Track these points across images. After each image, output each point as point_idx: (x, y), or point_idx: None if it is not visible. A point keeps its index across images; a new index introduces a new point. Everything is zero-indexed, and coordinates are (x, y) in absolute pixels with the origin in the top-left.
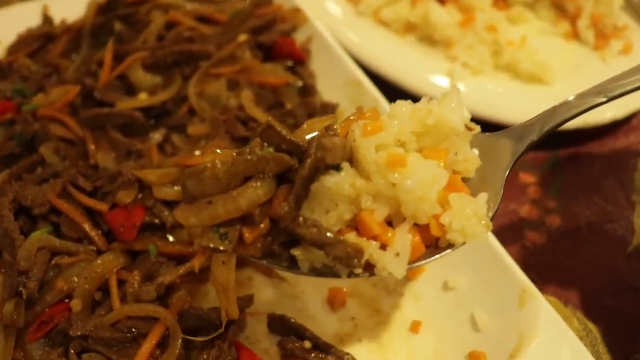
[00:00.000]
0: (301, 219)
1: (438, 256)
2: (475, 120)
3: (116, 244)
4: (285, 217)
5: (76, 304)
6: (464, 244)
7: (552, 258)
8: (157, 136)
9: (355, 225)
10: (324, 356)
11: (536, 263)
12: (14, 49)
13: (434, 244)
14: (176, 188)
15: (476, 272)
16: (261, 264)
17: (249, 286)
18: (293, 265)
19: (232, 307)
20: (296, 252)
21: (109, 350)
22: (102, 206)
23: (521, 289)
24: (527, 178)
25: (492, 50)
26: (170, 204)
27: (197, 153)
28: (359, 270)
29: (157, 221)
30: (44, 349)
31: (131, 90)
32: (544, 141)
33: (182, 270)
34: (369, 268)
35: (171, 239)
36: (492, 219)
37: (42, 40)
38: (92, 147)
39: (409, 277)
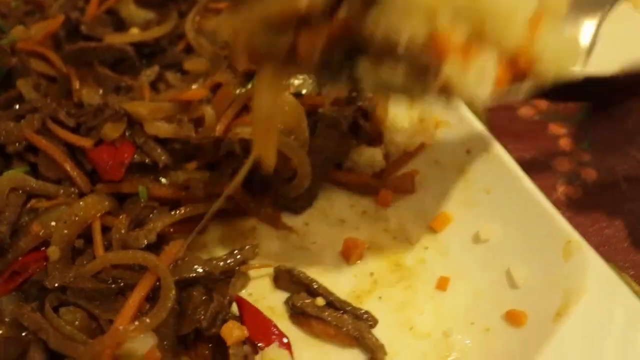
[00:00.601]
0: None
1: (525, 89)
2: None
3: (101, 185)
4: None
5: (53, 252)
6: (554, 78)
7: (589, 213)
8: (149, 73)
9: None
10: (339, 314)
11: (571, 218)
12: None
13: (519, 78)
14: (171, 125)
15: (511, 221)
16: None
17: (252, 237)
18: (353, 82)
19: (269, 151)
20: (361, 62)
21: (90, 304)
22: (85, 142)
23: (565, 239)
24: (557, 129)
25: None
26: (164, 142)
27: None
28: (434, 90)
29: (147, 160)
30: (16, 303)
31: (121, 26)
32: (574, 90)
33: (176, 215)
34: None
35: (164, 181)
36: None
37: None
38: (76, 83)
39: (435, 228)
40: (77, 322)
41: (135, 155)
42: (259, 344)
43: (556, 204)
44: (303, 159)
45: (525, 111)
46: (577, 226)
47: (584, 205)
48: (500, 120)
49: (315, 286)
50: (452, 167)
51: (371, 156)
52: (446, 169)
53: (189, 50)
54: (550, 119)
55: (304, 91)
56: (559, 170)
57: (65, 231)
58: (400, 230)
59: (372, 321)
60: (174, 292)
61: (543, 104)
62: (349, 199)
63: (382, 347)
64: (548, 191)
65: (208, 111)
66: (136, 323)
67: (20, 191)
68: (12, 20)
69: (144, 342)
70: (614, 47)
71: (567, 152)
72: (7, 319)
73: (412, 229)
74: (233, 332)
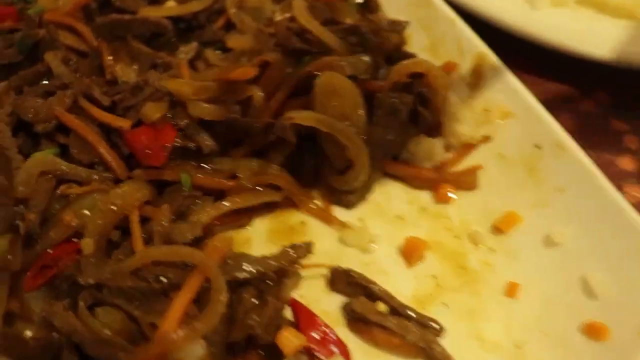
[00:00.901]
0: None
1: None
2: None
3: (139, 171)
4: None
5: (87, 244)
6: None
7: None
8: (187, 50)
9: None
10: (403, 322)
11: None
12: None
13: None
14: (216, 106)
15: (587, 223)
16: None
17: (301, 232)
18: None
19: None
20: None
21: (129, 304)
22: (122, 122)
23: None
24: (620, 125)
25: None
26: (209, 126)
27: None
28: None
29: (191, 145)
30: (46, 300)
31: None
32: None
33: (224, 207)
34: None
35: (208, 168)
36: None
37: None
38: (108, 58)
39: (501, 228)
40: (115, 325)
41: (178, 139)
42: (316, 353)
43: None
44: (361, 148)
45: (586, 105)
46: None
47: None
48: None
49: (376, 289)
50: (519, 162)
51: (430, 147)
52: (512, 165)
53: (228, 27)
54: (612, 114)
55: (359, 73)
56: (625, 170)
57: (100, 221)
58: (464, 230)
59: (438, 330)
60: (226, 294)
61: (604, 96)
62: (406, 194)
63: (450, 359)
64: None
65: (256, 92)
66: (185, 329)
67: (50, 175)
68: None
69: (192, 351)
70: None
71: (633, 150)
72: (36, 318)
73: (476, 229)
74: (291, 340)
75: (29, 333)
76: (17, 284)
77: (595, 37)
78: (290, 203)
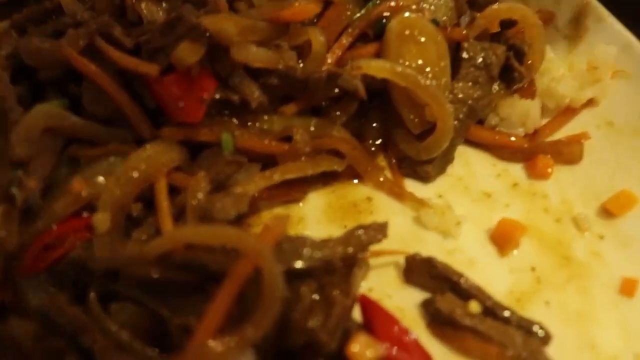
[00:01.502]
0: None
1: None
2: None
3: (168, 129)
4: None
5: (101, 220)
6: None
7: None
8: None
9: None
10: (501, 327)
11: None
12: None
13: None
14: (267, 51)
15: None
16: None
17: (368, 210)
18: None
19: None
20: None
21: (153, 299)
22: (149, 68)
23: None
24: None
25: None
26: (256, 75)
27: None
28: None
29: (235, 98)
30: (46, 289)
31: None
32: None
33: (274, 176)
34: None
35: (255, 127)
36: None
37: None
38: None
39: (613, 211)
40: (134, 326)
41: (218, 91)
42: None
43: None
44: (445, 107)
45: None
46: None
47: None
48: None
49: (465, 285)
50: (632, 131)
51: (525, 111)
52: (625, 134)
53: None
54: None
55: (439, 18)
56: None
57: (118, 192)
58: (566, 212)
59: (545, 337)
60: (282, 290)
61: None
62: (493, 167)
63: None
64: None
65: (316, 36)
66: (230, 337)
67: (57, 133)
68: None
69: None
70: None
71: None
72: (33, 312)
73: (580, 211)
74: (364, 350)
75: (24, 331)
76: (11, 269)
77: None
78: (353, 174)
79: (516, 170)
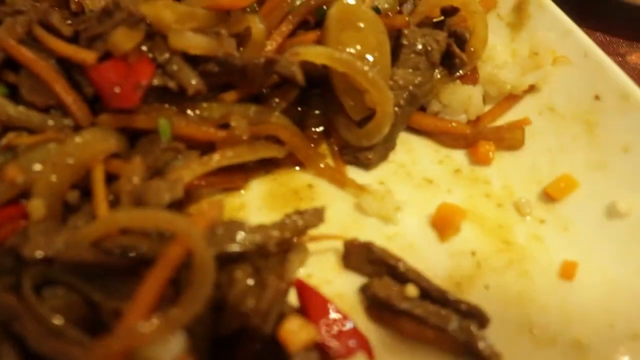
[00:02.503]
0: None
1: None
2: None
3: (105, 115)
4: None
5: (36, 207)
6: None
7: None
8: None
9: None
10: (438, 311)
11: None
12: None
13: None
14: (205, 38)
15: None
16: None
17: (309, 197)
18: None
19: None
20: None
21: (88, 285)
22: (86, 55)
23: None
24: None
25: None
26: (195, 62)
27: None
28: None
29: (172, 85)
30: None
31: None
32: None
33: (211, 163)
34: None
35: (193, 115)
36: None
37: None
38: None
39: (553, 195)
40: (68, 311)
41: (155, 77)
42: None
43: None
44: (384, 93)
45: (636, 58)
46: None
47: None
48: None
49: (403, 269)
50: (573, 116)
51: (467, 97)
52: (566, 119)
53: None
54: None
55: (380, 5)
56: None
57: (54, 178)
58: (507, 197)
59: (482, 320)
60: (213, 272)
61: None
62: (435, 153)
63: (498, 357)
64: None
65: (256, 24)
66: (157, 318)
67: None
68: None
69: (167, 346)
70: None
71: None
72: None
73: (522, 196)
74: (298, 334)
75: None
76: None
77: None
78: (294, 161)
79: (458, 156)
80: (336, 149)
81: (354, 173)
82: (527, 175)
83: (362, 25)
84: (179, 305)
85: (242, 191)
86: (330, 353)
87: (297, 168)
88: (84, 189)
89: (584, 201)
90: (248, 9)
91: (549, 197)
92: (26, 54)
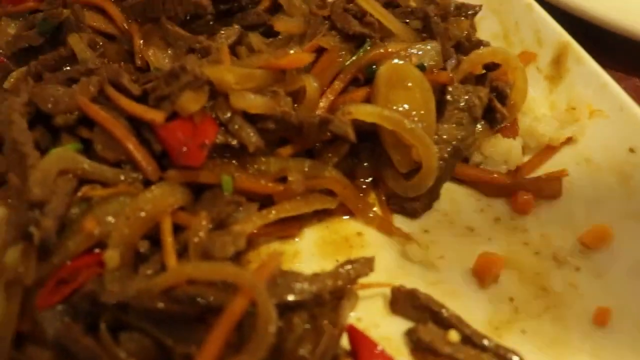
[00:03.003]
0: None
1: None
2: None
3: (173, 171)
4: None
5: (111, 257)
6: None
7: None
8: (228, 34)
9: None
10: (478, 355)
11: None
12: None
13: None
14: (263, 98)
15: None
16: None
17: (358, 245)
18: None
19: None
20: None
21: (159, 330)
22: (155, 115)
23: None
24: None
25: None
26: (254, 120)
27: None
28: None
29: (234, 142)
30: (62, 320)
31: None
32: None
33: (270, 215)
34: None
35: (252, 169)
36: None
37: None
38: (139, 42)
39: (588, 244)
40: (142, 354)
41: (219, 135)
42: None
43: None
44: (430, 149)
45: None
46: None
47: None
48: None
49: (446, 314)
50: (609, 168)
51: (507, 149)
52: (602, 171)
53: (274, 9)
54: None
55: (426, 63)
56: None
57: (127, 230)
58: (544, 245)
59: None
60: (275, 322)
61: None
62: (477, 202)
63: None
64: None
65: (310, 83)
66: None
67: (71, 175)
68: None
69: None
70: None
71: None
72: (50, 341)
73: (559, 244)
74: None
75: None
76: (29, 302)
77: None
78: (345, 210)
79: (499, 205)
80: (384, 198)
81: (400, 222)
82: (564, 224)
83: (409, 84)
84: (245, 352)
85: (297, 239)
86: None
87: (347, 217)
88: (154, 238)
89: (618, 251)
90: (302, 69)
91: (584, 245)
92: (100, 113)
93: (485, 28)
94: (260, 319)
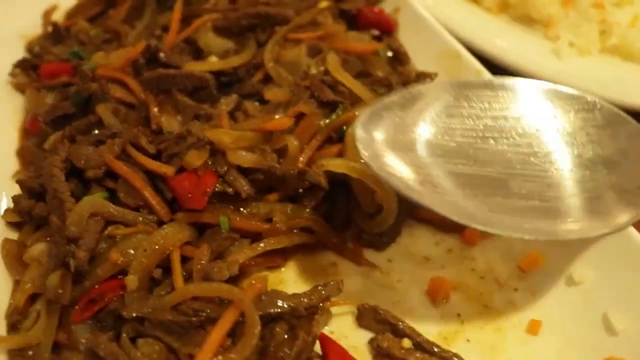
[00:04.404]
0: None
1: None
2: None
3: (181, 213)
4: None
5: (131, 280)
6: None
7: None
8: (228, 102)
9: None
10: (427, 357)
11: None
12: (72, 13)
13: None
14: (254, 154)
15: (607, 263)
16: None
17: (333, 273)
18: None
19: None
20: None
21: (169, 336)
22: (166, 169)
23: None
24: None
25: (599, 29)
26: (246, 172)
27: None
28: None
29: (230, 190)
30: (92, 332)
31: (199, 54)
32: None
33: (259, 248)
34: None
35: (245, 212)
36: None
37: (102, 5)
38: (154, 109)
39: (524, 268)
40: (155, 355)
41: (217, 185)
42: None
43: None
44: (389, 193)
45: None
46: None
47: None
48: None
49: (401, 326)
50: None
51: None
52: None
53: (266, 80)
54: None
55: None
56: None
57: (144, 260)
58: (488, 271)
59: None
60: (259, 327)
61: None
62: (433, 236)
63: None
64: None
65: (292, 142)
66: (219, 358)
67: (99, 217)
68: (91, 48)
69: None
70: None
71: None
72: (82, 348)
73: (500, 270)
74: None
75: None
76: (66, 317)
77: (623, 84)
78: (322, 245)
79: (451, 239)
80: (355, 235)
81: (368, 254)
82: (504, 253)
83: None
84: (234, 352)
85: (283, 269)
86: None
87: (325, 250)
88: (165, 267)
89: (548, 273)
90: (286, 130)
91: (521, 270)
92: (122, 168)
93: None
94: (247, 325)
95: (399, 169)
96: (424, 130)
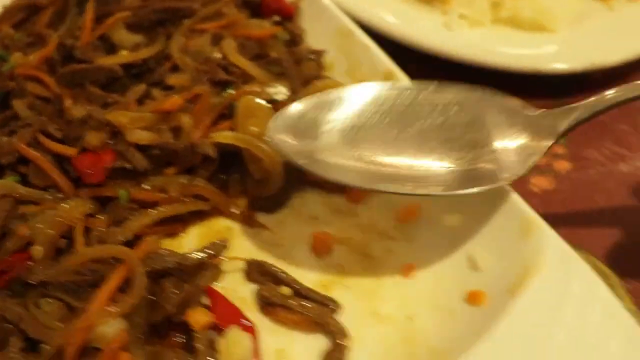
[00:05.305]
0: None
1: None
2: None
3: (83, 189)
4: None
5: (37, 250)
6: None
7: (561, 203)
8: (136, 90)
9: None
10: (303, 302)
11: (543, 207)
12: None
13: None
14: (150, 132)
15: (473, 208)
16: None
17: (229, 236)
18: None
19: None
20: None
21: (68, 296)
22: (70, 150)
23: (523, 219)
24: None
25: (491, 1)
26: (145, 150)
27: None
28: None
29: (128, 165)
30: (2, 298)
31: (113, 50)
32: (552, 88)
33: (152, 214)
34: None
35: (146, 186)
36: None
37: (27, 11)
38: (68, 102)
39: (402, 219)
40: (55, 313)
41: (117, 161)
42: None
43: (528, 195)
44: (274, 160)
45: None
46: (547, 216)
47: (556, 195)
48: None
49: (282, 276)
50: None
51: None
52: None
53: (175, 69)
54: None
55: (279, 98)
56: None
57: (49, 231)
58: (370, 225)
59: (335, 307)
60: (144, 280)
61: None
62: (321, 197)
63: (343, 330)
64: (520, 183)
65: (185, 119)
66: (107, 308)
67: (10, 197)
68: (14, 51)
69: (111, 325)
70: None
71: None
72: None
73: (381, 223)
74: (198, 317)
75: None
76: None
77: (510, 50)
78: (218, 212)
79: (338, 198)
80: (248, 200)
81: (262, 217)
82: (385, 208)
83: (257, 112)
84: (122, 302)
85: (182, 234)
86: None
87: (220, 216)
88: (71, 238)
89: (423, 222)
90: (184, 110)
91: (399, 221)
92: (32, 153)
93: (338, 66)
94: (134, 280)
95: (288, 140)
96: (330, 122)
